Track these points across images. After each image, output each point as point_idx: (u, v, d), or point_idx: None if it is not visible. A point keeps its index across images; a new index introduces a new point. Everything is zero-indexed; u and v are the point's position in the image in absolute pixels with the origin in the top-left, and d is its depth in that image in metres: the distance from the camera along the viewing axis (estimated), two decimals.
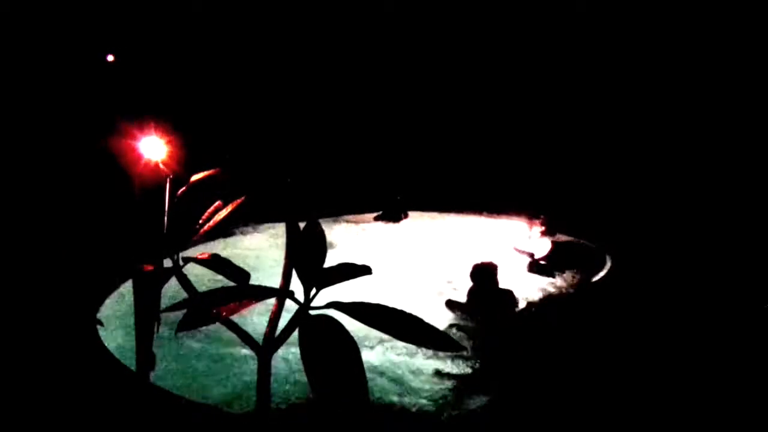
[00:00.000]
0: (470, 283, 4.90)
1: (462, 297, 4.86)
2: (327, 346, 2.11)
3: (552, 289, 5.17)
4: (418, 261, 5.81)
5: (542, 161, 8.40)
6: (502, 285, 4.90)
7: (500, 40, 9.14)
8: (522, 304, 4.80)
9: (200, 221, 2.54)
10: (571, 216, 6.71)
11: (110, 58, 8.01)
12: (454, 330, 4.30)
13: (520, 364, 3.82)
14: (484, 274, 4.88)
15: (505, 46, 9.16)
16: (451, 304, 4.79)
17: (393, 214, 7.19)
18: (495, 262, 4.99)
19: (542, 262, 5.57)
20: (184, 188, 2.58)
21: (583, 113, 8.88)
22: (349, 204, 7.42)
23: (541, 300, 4.92)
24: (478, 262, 4.97)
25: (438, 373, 3.87)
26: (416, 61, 9.34)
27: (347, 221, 7.12)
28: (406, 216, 7.21)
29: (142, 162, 2.69)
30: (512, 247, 5.99)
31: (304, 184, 7.31)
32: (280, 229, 6.00)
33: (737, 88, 8.22)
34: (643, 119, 8.61)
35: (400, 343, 2.13)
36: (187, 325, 2.18)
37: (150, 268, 2.40)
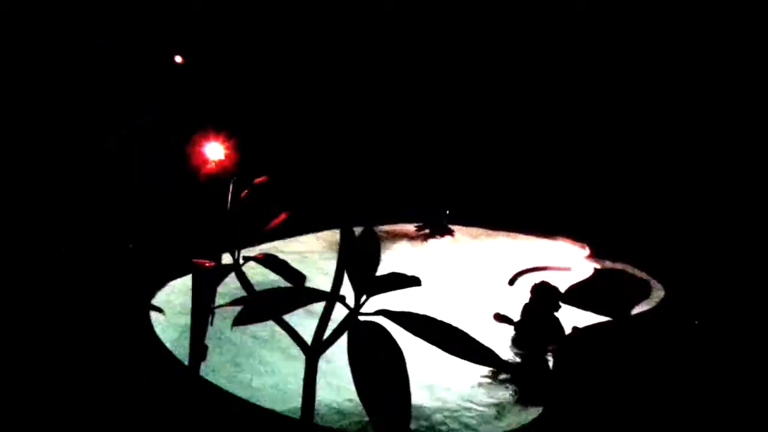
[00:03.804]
0: (522, 300, 4.85)
1: (511, 313, 4.83)
2: (374, 352, 2.16)
3: (597, 319, 5.07)
4: (465, 275, 5.80)
5: (592, 184, 8.25)
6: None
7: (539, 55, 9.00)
8: (567, 331, 4.73)
9: (261, 223, 2.64)
10: (619, 241, 6.57)
11: (178, 59, 8.27)
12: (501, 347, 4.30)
13: (563, 387, 3.79)
14: (546, 294, 4.82)
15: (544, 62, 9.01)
16: (499, 318, 4.78)
17: (439, 228, 7.20)
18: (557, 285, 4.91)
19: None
20: (247, 190, 2.69)
21: (631, 138, 8.65)
22: (392, 214, 7.44)
23: (584, 328, 4.83)
24: (543, 281, 4.92)
25: (481, 389, 3.87)
26: (477, 77, 9.29)
27: (390, 231, 7.15)
28: (452, 233, 7.20)
29: (208, 164, 2.83)
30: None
31: (356, 193, 7.43)
32: (329, 235, 6.12)
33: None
34: (691, 141, 8.32)
35: (446, 356, 2.16)
36: (242, 320, 2.27)
37: (210, 264, 2.50)
